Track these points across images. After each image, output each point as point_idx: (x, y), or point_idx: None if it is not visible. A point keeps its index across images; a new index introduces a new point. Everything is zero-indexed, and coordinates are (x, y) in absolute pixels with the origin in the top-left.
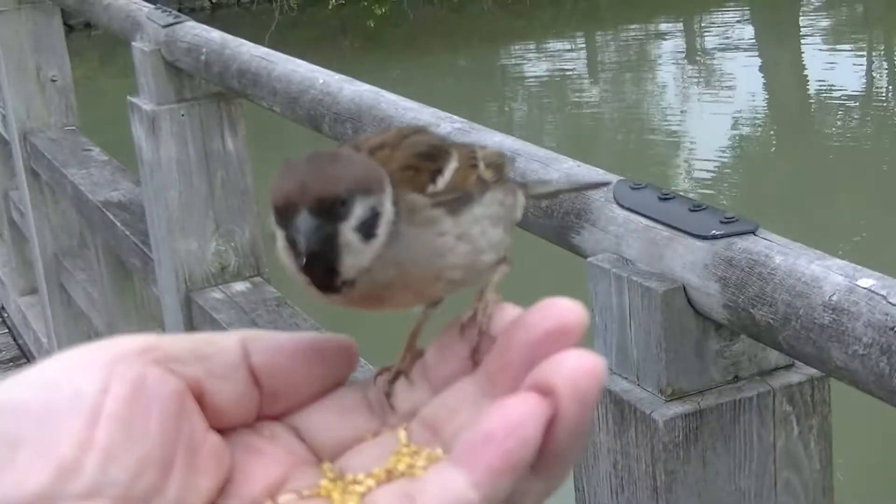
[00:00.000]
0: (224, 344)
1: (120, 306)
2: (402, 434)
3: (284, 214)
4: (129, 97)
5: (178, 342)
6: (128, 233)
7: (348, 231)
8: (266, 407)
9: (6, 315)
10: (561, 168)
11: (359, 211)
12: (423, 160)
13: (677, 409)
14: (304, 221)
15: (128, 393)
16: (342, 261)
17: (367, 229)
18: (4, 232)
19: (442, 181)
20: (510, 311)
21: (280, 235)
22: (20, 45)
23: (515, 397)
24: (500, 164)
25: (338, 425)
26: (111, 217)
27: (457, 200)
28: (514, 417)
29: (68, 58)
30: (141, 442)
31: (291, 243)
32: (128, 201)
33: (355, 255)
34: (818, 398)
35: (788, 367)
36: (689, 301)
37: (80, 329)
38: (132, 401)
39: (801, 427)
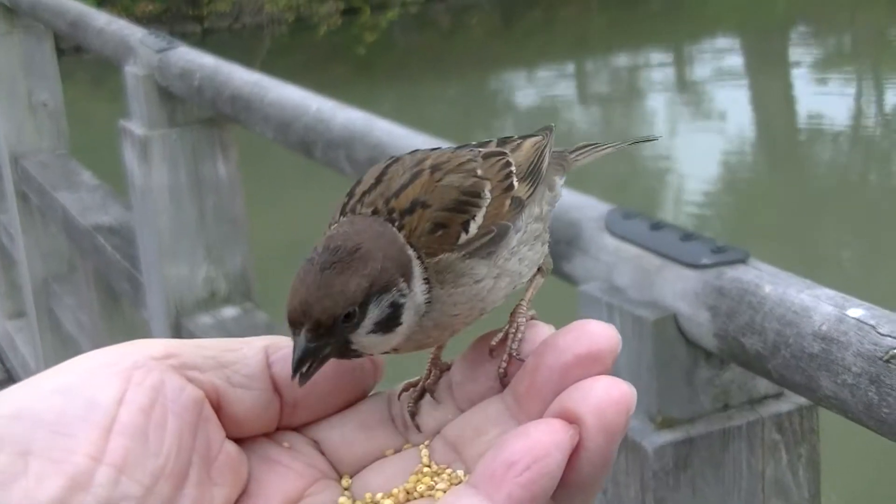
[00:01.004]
0: (246, 352)
1: (109, 331)
2: (424, 453)
3: (291, 329)
4: (121, 121)
5: (198, 349)
6: (118, 257)
7: (362, 336)
8: (286, 417)
9: None
10: None
11: (374, 313)
12: (453, 213)
13: (667, 437)
14: (299, 346)
15: (144, 402)
16: (368, 352)
17: (388, 323)
18: None
19: (474, 226)
20: (542, 330)
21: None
22: (11, 70)
23: (540, 424)
24: (536, 165)
25: (359, 440)
26: (101, 241)
27: (491, 241)
28: (538, 446)
29: (60, 82)
30: (155, 454)
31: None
32: (118, 225)
33: (380, 346)
34: (807, 427)
35: (778, 395)
36: (680, 329)
37: (68, 353)
38: (148, 411)
39: (790, 455)
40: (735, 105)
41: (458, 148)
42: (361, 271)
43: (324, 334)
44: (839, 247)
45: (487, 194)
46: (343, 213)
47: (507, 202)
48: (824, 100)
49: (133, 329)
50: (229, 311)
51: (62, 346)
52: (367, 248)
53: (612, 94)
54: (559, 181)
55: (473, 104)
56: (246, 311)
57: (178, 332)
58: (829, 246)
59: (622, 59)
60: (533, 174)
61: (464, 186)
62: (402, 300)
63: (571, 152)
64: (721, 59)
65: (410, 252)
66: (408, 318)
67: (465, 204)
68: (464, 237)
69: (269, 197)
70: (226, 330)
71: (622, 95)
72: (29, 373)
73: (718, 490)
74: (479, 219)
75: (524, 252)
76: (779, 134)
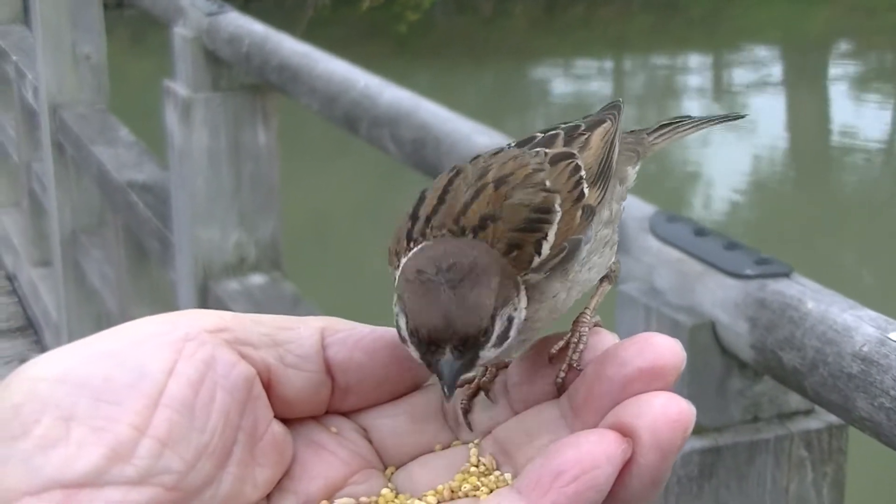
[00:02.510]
0: (302, 332)
1: (134, 288)
2: (473, 452)
3: (427, 348)
4: (165, 81)
5: (253, 325)
6: (150, 215)
7: (487, 350)
8: (337, 401)
9: (17, 284)
10: None
11: (497, 328)
12: (525, 233)
13: (694, 444)
14: (448, 365)
15: (193, 376)
16: (477, 365)
17: (502, 337)
18: (23, 202)
19: (546, 246)
20: (606, 338)
21: (415, 353)
22: (59, 20)
23: (593, 434)
24: (607, 162)
25: (408, 431)
26: (134, 198)
27: (564, 259)
28: (588, 457)
29: (105, 37)
30: (200, 430)
31: (429, 367)
32: (152, 184)
33: (491, 360)
34: (835, 446)
35: (808, 412)
36: (717, 338)
37: (91, 306)
38: (197, 385)
39: (815, 473)
40: (769, 116)
41: (522, 146)
42: (488, 285)
43: (467, 350)
44: (861, 266)
45: (558, 209)
46: (411, 238)
47: (579, 213)
48: (859, 118)
49: (158, 288)
50: (257, 279)
51: (85, 299)
52: (484, 263)
53: (647, 95)
54: (632, 171)
55: (508, 92)
56: (273, 280)
57: (204, 295)
58: (851, 264)
59: (660, 61)
60: (603, 174)
61: (534, 204)
62: (515, 314)
63: (651, 132)
64: (759, 70)
65: (515, 272)
66: (514, 332)
67: (536, 222)
68: (537, 260)
69: (301, 169)
70: (252, 297)
71: (658, 97)
72: (50, 322)
73: (741, 501)
74: (552, 237)
75: (594, 260)
76: (810, 149)
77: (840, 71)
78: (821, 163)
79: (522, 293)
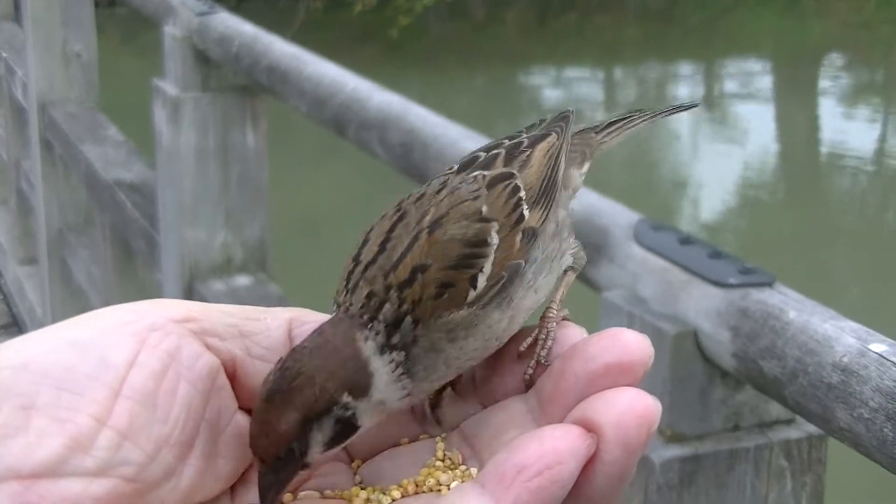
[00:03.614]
0: (269, 323)
1: (120, 287)
2: (439, 446)
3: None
4: (154, 80)
5: (220, 315)
6: (137, 214)
7: (318, 455)
8: None
9: (2, 282)
10: (581, 201)
11: (318, 437)
12: (457, 271)
13: (675, 451)
14: (260, 478)
15: (156, 367)
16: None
17: (344, 433)
18: (11, 200)
19: (482, 278)
20: (574, 332)
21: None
22: (50, 17)
23: (557, 429)
24: (551, 179)
25: (376, 425)
26: (122, 197)
27: (502, 288)
28: (552, 452)
29: (96, 36)
30: (162, 421)
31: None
32: (140, 183)
33: (321, 460)
34: (815, 457)
35: (789, 422)
36: (699, 346)
37: (76, 304)
38: (160, 376)
39: (795, 483)
40: (760, 127)
41: (464, 169)
42: (296, 402)
43: (275, 468)
44: (847, 277)
45: (495, 237)
46: (348, 280)
47: (518, 238)
48: (850, 130)
49: (144, 287)
50: (243, 280)
51: (71, 297)
52: (308, 374)
53: (638, 103)
54: (578, 174)
55: (499, 98)
56: (259, 282)
57: (189, 295)
58: (838, 275)
59: (652, 70)
60: (546, 192)
61: (467, 237)
62: (348, 413)
63: (600, 131)
64: (751, 80)
65: (372, 358)
66: (366, 420)
67: (470, 258)
68: (472, 294)
69: (290, 171)
70: (238, 298)
71: (649, 105)
72: (35, 320)
73: None
74: (488, 268)
75: (540, 281)
76: (800, 159)
77: (831, 83)
78: (810, 174)
79: (383, 376)
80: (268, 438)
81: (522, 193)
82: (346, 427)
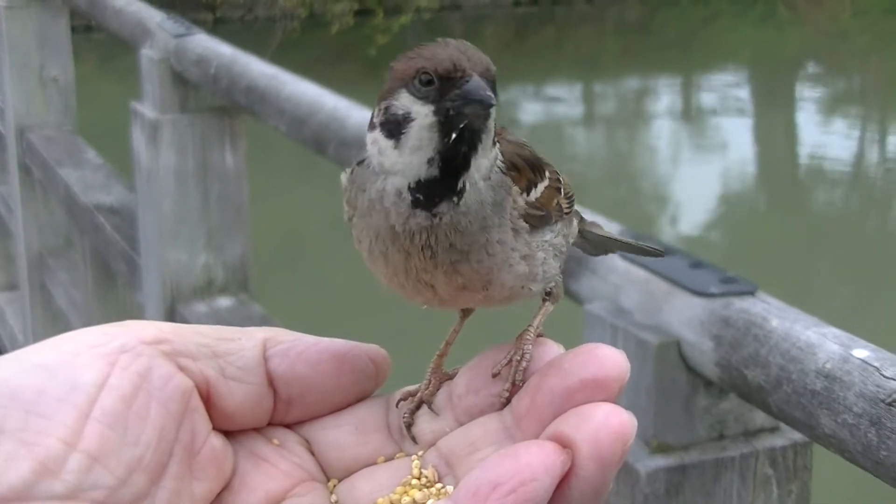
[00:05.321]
0: (243, 343)
1: (101, 310)
2: (415, 464)
3: (449, 79)
4: (132, 103)
5: (193, 336)
6: (117, 237)
7: (491, 119)
8: (280, 413)
9: None
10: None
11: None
12: (526, 164)
13: (661, 462)
14: (478, 81)
15: (127, 389)
16: (479, 150)
17: (491, 132)
18: None
19: (534, 194)
20: (551, 349)
21: (426, 111)
22: (26, 42)
23: (532, 446)
24: (573, 194)
25: (352, 443)
26: (101, 220)
27: (539, 219)
28: (527, 469)
29: (73, 60)
30: (133, 443)
31: (446, 114)
32: (119, 206)
33: (483, 157)
34: (800, 464)
35: (773, 430)
36: (682, 356)
37: (57, 329)
38: (130, 398)
39: (780, 491)
40: (738, 137)
41: None
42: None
43: (490, 86)
44: (830, 285)
45: (546, 178)
46: None
47: (555, 201)
48: (828, 140)
49: (126, 310)
50: (225, 301)
51: (52, 322)
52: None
53: (617, 117)
54: (576, 228)
55: None
56: (242, 303)
57: (171, 318)
58: (820, 284)
59: (631, 84)
60: (570, 200)
61: (533, 152)
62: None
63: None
64: (728, 92)
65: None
66: (496, 148)
67: (534, 166)
68: (524, 196)
69: (269, 190)
70: (220, 320)
71: (628, 119)
72: (17, 346)
73: None
74: (539, 190)
75: (549, 256)
76: (779, 169)
77: (809, 93)
78: (789, 183)
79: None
80: (483, 55)
81: (563, 179)
82: (484, 128)
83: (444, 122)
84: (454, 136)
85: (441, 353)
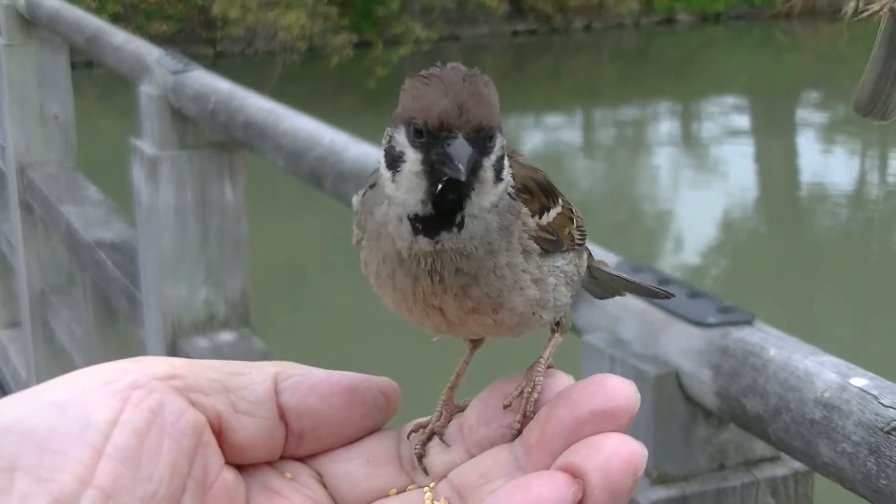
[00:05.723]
0: (254, 377)
1: (103, 347)
2: (427, 496)
3: (435, 135)
4: (132, 139)
5: (204, 371)
6: (118, 273)
7: (489, 166)
8: (291, 447)
9: None
10: None
11: (497, 147)
12: (539, 188)
13: (661, 493)
14: (462, 146)
15: (140, 425)
16: (472, 196)
17: (499, 169)
18: None
19: (546, 218)
20: (561, 380)
21: (415, 158)
22: (26, 80)
23: (543, 477)
24: (585, 229)
25: (364, 476)
26: (102, 256)
27: (551, 243)
28: (537, 500)
29: (72, 96)
30: (147, 479)
31: (432, 166)
32: (120, 242)
33: (483, 196)
34: (801, 493)
35: (774, 459)
36: (681, 386)
37: (60, 365)
38: (143, 434)
39: None
40: (738, 163)
41: None
42: (493, 94)
43: (478, 145)
44: (831, 309)
45: (560, 203)
46: None
47: (567, 230)
48: (828, 165)
49: (127, 346)
50: (226, 336)
51: (55, 359)
52: (487, 79)
53: (617, 145)
54: (585, 263)
55: None
56: (243, 337)
57: (173, 353)
58: (821, 309)
59: (630, 111)
60: (583, 233)
61: (547, 179)
62: (504, 153)
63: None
64: (728, 118)
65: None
66: (507, 176)
67: (547, 191)
68: (536, 219)
69: (268, 224)
70: (222, 355)
71: (627, 146)
72: (20, 383)
73: None
74: (552, 215)
75: (560, 283)
76: (779, 195)
77: (809, 119)
78: (790, 210)
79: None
80: (488, 108)
81: (577, 212)
82: (502, 165)
83: (431, 173)
84: (440, 186)
85: (452, 385)
